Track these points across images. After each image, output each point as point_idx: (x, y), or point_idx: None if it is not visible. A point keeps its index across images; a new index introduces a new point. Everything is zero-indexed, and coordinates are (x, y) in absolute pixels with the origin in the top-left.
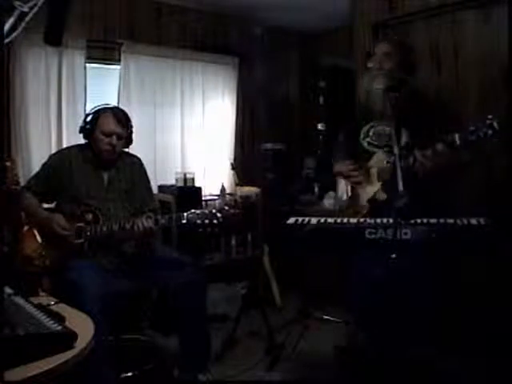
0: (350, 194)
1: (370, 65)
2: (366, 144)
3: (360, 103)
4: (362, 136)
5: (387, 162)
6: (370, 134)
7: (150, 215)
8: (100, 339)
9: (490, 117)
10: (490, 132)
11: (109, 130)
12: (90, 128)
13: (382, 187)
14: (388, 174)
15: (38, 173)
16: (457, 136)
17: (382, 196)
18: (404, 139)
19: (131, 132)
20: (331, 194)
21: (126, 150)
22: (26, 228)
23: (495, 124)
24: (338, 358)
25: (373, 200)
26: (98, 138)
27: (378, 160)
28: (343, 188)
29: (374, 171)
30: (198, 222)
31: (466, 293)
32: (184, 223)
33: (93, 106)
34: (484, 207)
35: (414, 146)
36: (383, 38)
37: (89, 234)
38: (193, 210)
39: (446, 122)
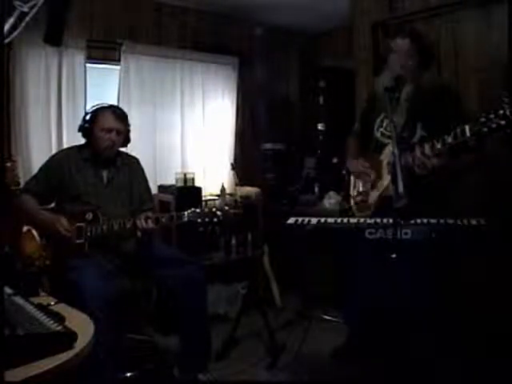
0: (360, 189)
1: (390, 62)
2: (379, 134)
3: (376, 96)
4: (376, 126)
5: (388, 164)
6: (384, 124)
7: (150, 215)
8: (101, 339)
9: (506, 100)
10: (502, 122)
11: (108, 126)
12: (89, 126)
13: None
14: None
15: (36, 174)
16: (467, 128)
17: (391, 191)
18: (419, 133)
19: (129, 130)
20: (331, 194)
21: (125, 150)
22: (25, 228)
23: (508, 112)
24: (337, 358)
25: (382, 195)
26: (97, 135)
27: (390, 152)
28: (353, 184)
29: (385, 164)
30: (199, 220)
31: (466, 293)
32: (184, 222)
33: (91, 106)
34: (484, 207)
35: (428, 140)
36: (401, 33)
37: (89, 233)
38: (193, 209)
39: (462, 115)
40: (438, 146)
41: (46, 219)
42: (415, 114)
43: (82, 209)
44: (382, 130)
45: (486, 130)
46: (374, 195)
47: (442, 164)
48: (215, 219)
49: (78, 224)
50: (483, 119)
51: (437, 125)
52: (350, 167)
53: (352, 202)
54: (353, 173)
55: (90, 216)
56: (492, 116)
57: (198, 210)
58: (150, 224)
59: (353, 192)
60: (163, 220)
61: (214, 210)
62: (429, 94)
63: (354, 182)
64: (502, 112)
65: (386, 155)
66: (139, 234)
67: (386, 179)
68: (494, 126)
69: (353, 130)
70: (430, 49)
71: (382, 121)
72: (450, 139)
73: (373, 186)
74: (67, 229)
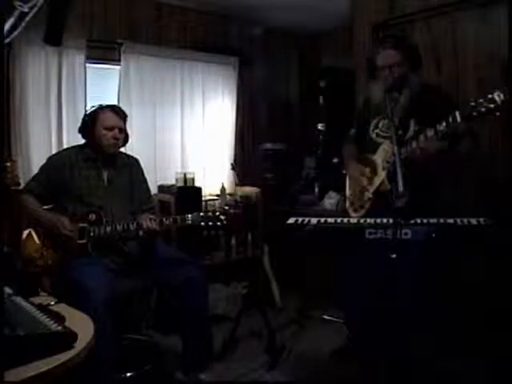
0: (355, 187)
1: (378, 74)
2: (374, 135)
3: (370, 102)
4: (371, 128)
5: (382, 161)
6: (380, 125)
7: (154, 217)
8: (104, 339)
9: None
10: (491, 106)
11: (111, 124)
12: (90, 127)
13: (387, 177)
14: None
15: (37, 175)
16: (457, 113)
17: (387, 187)
18: (412, 129)
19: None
20: (331, 194)
21: (125, 150)
22: (26, 231)
23: (496, 97)
24: (337, 358)
25: (377, 191)
26: (100, 133)
27: (385, 150)
28: (349, 182)
29: (379, 161)
30: (202, 224)
31: (466, 293)
32: (188, 225)
33: (89, 107)
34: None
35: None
36: (385, 45)
37: (92, 234)
38: (196, 213)
39: (451, 105)
40: (430, 134)
41: (48, 220)
42: (409, 113)
43: (84, 210)
44: (377, 131)
45: (475, 113)
46: (369, 192)
47: (438, 149)
48: (218, 223)
49: (81, 225)
50: (473, 104)
51: (429, 119)
52: (349, 171)
53: (347, 203)
54: (350, 176)
55: (93, 217)
56: (481, 100)
57: (201, 214)
58: (154, 226)
59: (348, 192)
60: (167, 222)
61: (217, 213)
62: (420, 93)
63: (350, 183)
64: (490, 96)
65: (381, 153)
66: (141, 233)
67: (381, 175)
68: (483, 109)
69: (349, 135)
70: (416, 52)
71: (377, 122)
72: (441, 127)
73: (368, 183)
74: (69, 229)
